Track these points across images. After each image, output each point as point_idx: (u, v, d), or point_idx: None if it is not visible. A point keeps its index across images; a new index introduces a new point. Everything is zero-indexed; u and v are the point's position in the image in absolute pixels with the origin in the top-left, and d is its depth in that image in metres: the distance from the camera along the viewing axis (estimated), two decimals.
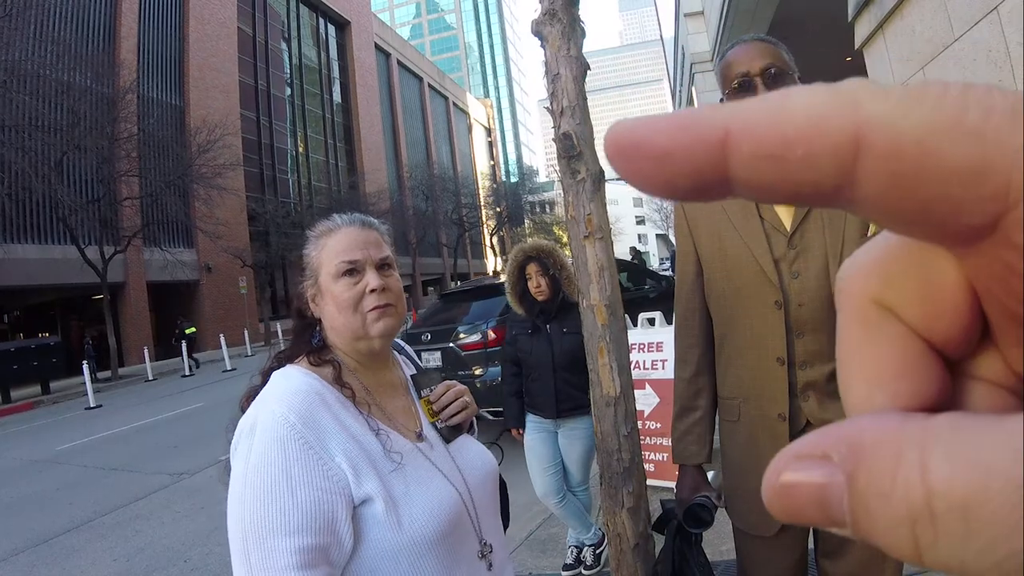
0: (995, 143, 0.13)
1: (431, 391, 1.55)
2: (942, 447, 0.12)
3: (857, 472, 0.13)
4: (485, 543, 1.44)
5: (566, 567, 4.19)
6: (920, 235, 0.14)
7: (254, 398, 1.35)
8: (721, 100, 1.95)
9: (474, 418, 1.64)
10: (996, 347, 0.15)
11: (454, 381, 1.60)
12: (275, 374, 1.38)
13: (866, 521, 0.13)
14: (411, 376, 1.59)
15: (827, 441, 0.14)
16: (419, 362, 1.70)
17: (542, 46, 2.82)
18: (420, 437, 1.44)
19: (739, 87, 1.88)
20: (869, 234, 1.80)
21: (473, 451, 1.55)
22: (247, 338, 29.34)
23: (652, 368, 5.44)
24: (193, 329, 27.15)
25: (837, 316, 0.19)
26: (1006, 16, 4.67)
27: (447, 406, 1.53)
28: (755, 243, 1.89)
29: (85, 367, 17.68)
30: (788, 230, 1.88)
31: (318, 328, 1.49)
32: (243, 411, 1.34)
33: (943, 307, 0.15)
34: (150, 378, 22.57)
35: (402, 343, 1.67)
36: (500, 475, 1.64)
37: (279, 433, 1.22)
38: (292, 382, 1.33)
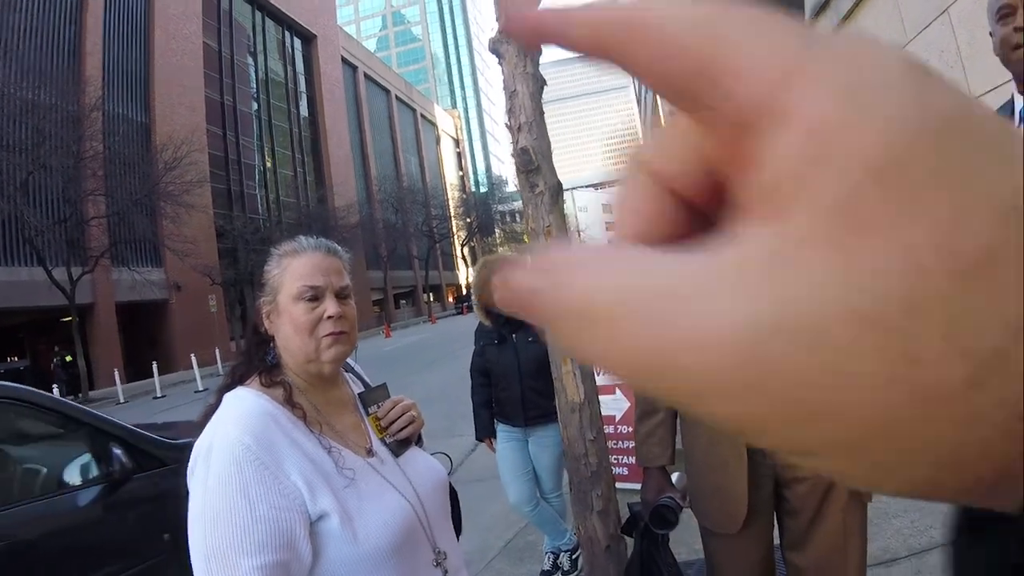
0: (722, 41, 0.15)
1: (378, 407, 1.60)
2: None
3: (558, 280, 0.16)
4: (439, 551, 1.48)
5: (543, 573, 4.27)
6: (680, 108, 0.17)
7: (210, 417, 1.38)
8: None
9: (421, 432, 1.69)
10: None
11: (401, 396, 1.65)
12: (227, 396, 1.41)
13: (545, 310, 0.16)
14: (358, 394, 1.63)
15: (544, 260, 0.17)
16: (366, 380, 1.76)
17: (500, 63, 2.88)
18: (370, 453, 1.49)
19: None
20: None
21: (422, 463, 1.59)
22: (218, 357, 28.70)
23: None
24: (70, 358, 27.14)
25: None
26: (956, 17, 4.82)
27: (394, 421, 1.57)
28: None
29: (55, 391, 17.28)
30: None
31: (272, 345, 1.53)
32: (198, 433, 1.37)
33: (688, 165, 0.18)
34: (121, 400, 22.17)
35: (351, 362, 1.72)
36: (451, 484, 1.69)
37: (235, 455, 1.25)
38: (245, 404, 1.37)
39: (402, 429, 1.57)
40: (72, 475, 3.59)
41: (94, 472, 3.65)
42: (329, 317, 1.45)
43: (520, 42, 0.19)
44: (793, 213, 0.14)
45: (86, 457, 3.67)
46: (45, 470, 3.65)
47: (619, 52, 0.17)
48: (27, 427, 3.77)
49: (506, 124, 2.90)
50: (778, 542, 2.11)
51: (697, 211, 0.19)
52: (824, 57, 0.15)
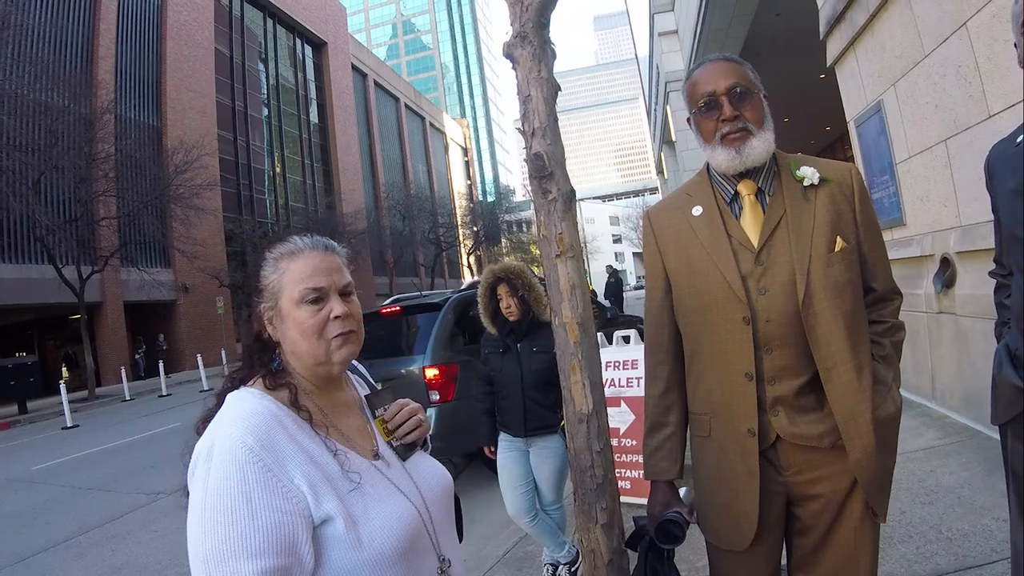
0: None
1: (385, 410, 1.56)
2: None
3: None
4: (444, 559, 1.45)
5: None
6: None
7: (210, 421, 1.34)
8: (688, 119, 2.03)
9: (427, 435, 1.66)
10: None
11: (407, 400, 1.62)
12: (230, 396, 1.37)
13: None
14: (365, 396, 1.60)
15: None
16: (372, 382, 1.74)
17: (514, 68, 2.85)
18: (376, 456, 1.45)
19: (705, 106, 1.91)
20: (836, 249, 1.85)
21: (428, 467, 1.56)
22: (224, 358, 28.88)
23: (627, 385, 5.44)
24: None
25: None
26: (975, 31, 4.72)
27: (401, 424, 1.55)
28: (722, 260, 1.90)
29: (62, 387, 17.53)
30: (755, 247, 1.89)
31: (277, 351, 1.48)
32: (199, 434, 1.33)
33: None
34: (127, 398, 22.39)
35: (356, 363, 1.68)
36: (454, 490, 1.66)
37: (237, 456, 1.22)
38: (248, 405, 1.33)
39: (409, 433, 1.54)
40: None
41: None
42: (336, 317, 1.42)
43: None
44: None
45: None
46: None
47: None
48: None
49: (519, 129, 2.86)
50: (784, 562, 2.05)
51: None
52: None
